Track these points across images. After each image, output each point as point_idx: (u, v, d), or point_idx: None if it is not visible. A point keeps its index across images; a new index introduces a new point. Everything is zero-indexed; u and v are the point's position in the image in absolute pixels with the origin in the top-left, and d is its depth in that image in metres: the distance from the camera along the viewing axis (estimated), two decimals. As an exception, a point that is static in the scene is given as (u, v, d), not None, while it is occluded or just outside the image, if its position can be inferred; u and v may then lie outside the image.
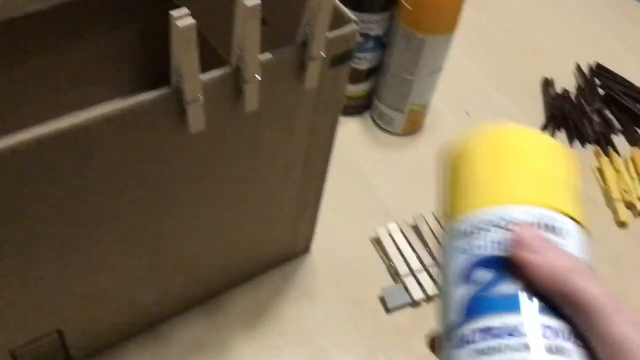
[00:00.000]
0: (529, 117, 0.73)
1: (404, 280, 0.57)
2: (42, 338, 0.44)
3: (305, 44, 0.38)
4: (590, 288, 0.24)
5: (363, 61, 0.64)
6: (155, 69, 0.66)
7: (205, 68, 0.35)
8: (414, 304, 0.56)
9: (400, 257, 0.58)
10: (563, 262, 0.25)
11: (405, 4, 0.58)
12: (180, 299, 0.52)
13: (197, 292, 0.53)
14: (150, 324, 0.51)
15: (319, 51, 0.38)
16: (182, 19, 0.31)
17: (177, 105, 0.35)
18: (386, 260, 0.59)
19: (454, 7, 0.58)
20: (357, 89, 0.66)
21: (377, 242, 0.60)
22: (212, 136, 0.38)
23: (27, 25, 0.54)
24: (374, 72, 0.66)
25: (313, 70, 0.39)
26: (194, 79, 0.34)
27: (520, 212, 0.27)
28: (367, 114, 0.70)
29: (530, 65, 0.79)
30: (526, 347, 0.23)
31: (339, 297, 0.56)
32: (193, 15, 0.31)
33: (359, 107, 0.69)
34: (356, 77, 0.65)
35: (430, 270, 0.57)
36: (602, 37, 0.84)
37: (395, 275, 0.57)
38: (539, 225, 0.26)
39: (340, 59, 0.41)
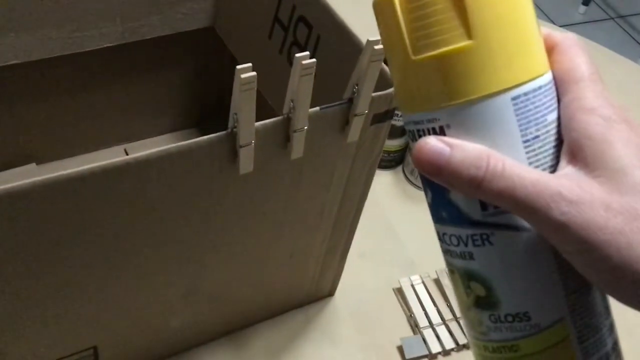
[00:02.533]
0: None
1: (423, 332, 0.58)
2: (79, 353, 0.47)
3: (351, 101, 0.41)
4: (506, 180, 0.24)
5: (400, 118, 0.67)
6: (198, 104, 0.70)
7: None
8: (431, 356, 0.57)
9: (421, 309, 0.60)
10: (468, 166, 0.25)
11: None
12: (208, 329, 0.54)
13: (224, 324, 0.55)
14: (176, 350, 0.54)
15: (363, 109, 0.41)
16: (245, 72, 0.34)
17: (231, 148, 0.38)
18: (407, 311, 0.60)
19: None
20: (393, 144, 0.69)
21: (399, 292, 0.62)
22: (257, 178, 0.41)
23: (89, 60, 0.59)
24: (409, 129, 0.69)
25: (356, 126, 0.42)
26: (250, 125, 0.37)
27: (416, 117, 0.27)
28: (399, 168, 0.73)
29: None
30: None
31: (359, 343, 0.58)
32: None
33: (393, 161, 0.72)
34: (393, 132, 0.68)
35: (450, 325, 0.59)
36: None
37: (414, 326, 0.59)
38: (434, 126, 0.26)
39: (381, 117, 0.44)
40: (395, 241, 0.67)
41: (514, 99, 0.26)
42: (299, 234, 0.50)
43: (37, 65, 0.56)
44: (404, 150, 0.71)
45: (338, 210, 0.50)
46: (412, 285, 0.61)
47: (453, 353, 0.58)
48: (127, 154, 0.67)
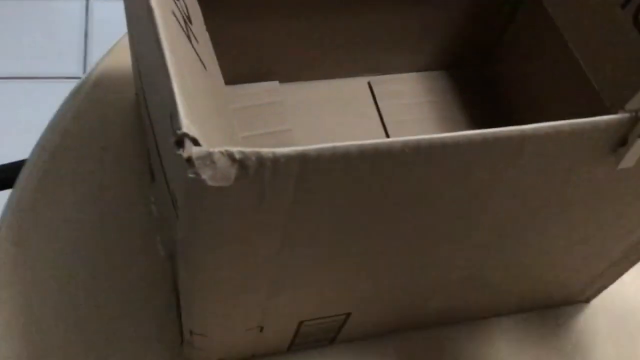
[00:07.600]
0: None
1: (699, 372, 0.48)
2: (331, 317, 0.41)
3: None
4: None
5: None
6: (454, 46, 0.61)
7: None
8: None
9: (699, 345, 0.50)
10: None
11: None
12: (457, 313, 0.47)
13: (472, 311, 0.48)
14: (413, 326, 0.48)
15: None
16: None
17: (622, 136, 0.29)
18: (678, 341, 0.51)
19: None
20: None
21: (669, 316, 0.52)
22: (622, 176, 0.32)
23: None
24: None
25: None
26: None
27: None
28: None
29: None
30: None
31: (617, 357, 0.49)
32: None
33: None
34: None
35: None
36: None
37: (687, 362, 0.49)
38: None
39: None
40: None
41: None
42: (603, 240, 0.41)
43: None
44: None
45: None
46: (690, 313, 0.51)
47: None
48: (370, 87, 0.61)
